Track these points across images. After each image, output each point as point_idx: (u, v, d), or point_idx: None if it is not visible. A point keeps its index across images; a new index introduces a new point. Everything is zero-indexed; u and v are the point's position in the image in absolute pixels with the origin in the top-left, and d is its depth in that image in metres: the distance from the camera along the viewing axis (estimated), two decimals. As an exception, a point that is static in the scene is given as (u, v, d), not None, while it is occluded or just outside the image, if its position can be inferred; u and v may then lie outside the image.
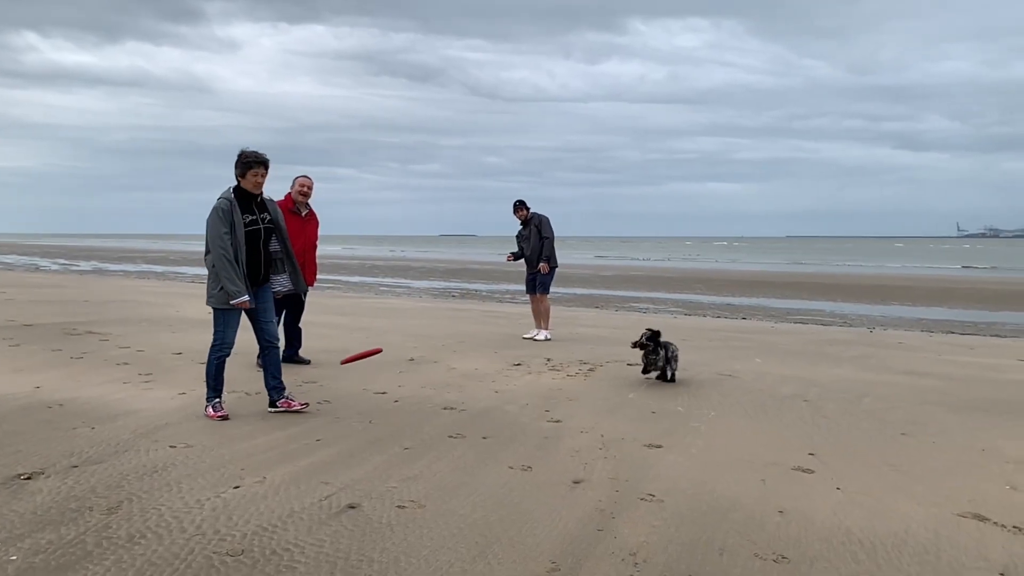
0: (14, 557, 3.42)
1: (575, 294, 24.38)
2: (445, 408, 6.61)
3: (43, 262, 42.42)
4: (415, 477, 4.71)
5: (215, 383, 6.17)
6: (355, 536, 3.77)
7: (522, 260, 11.75)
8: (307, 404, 6.38)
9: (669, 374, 7.91)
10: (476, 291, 25.96)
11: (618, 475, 4.86)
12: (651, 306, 20.73)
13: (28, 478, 4.47)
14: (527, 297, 12.26)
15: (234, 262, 5.96)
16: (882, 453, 5.53)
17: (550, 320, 11.72)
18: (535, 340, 11.31)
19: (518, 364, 9.06)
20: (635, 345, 7.85)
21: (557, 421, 6.26)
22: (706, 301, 22.85)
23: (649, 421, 6.34)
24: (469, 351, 10.03)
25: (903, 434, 6.08)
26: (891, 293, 26.30)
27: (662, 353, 7.79)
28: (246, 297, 6.01)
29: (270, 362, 6.37)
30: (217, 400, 6.15)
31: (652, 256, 66.47)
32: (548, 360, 9.39)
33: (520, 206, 11.40)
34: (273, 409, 6.29)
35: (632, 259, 60.73)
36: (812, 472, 5.03)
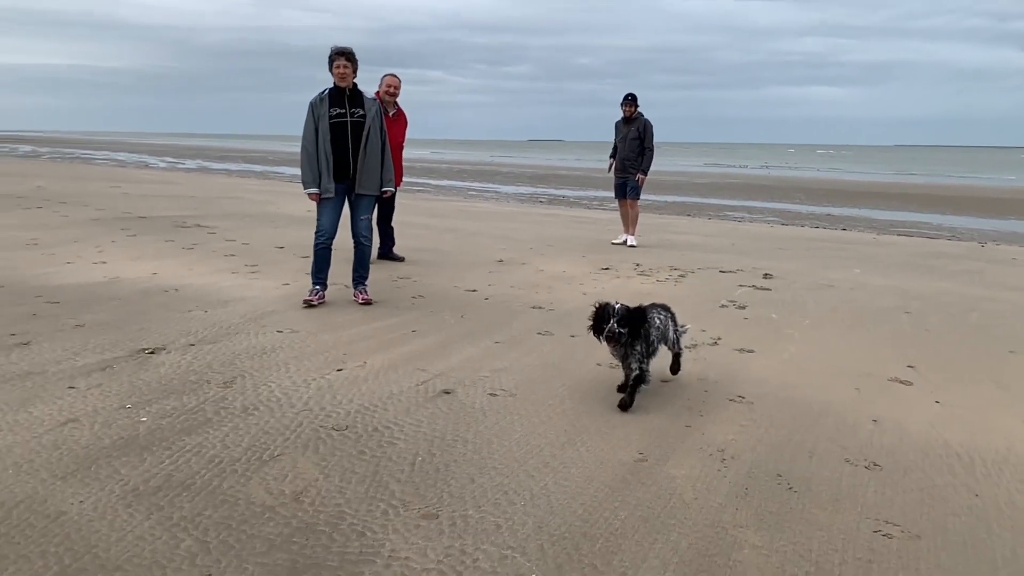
0: (144, 419, 3.76)
1: (666, 201, 23.87)
2: (533, 307, 6.71)
3: (151, 160, 44.41)
4: (506, 369, 4.86)
5: (314, 269, 6.52)
6: (450, 418, 3.96)
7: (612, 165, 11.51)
8: (369, 302, 6.56)
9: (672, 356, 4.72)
10: (564, 197, 25.74)
11: (707, 376, 4.87)
12: (746, 215, 20.11)
13: (152, 352, 4.85)
14: (615, 203, 12.08)
15: (313, 155, 6.25)
16: (987, 369, 5.32)
17: (637, 226, 11.57)
18: (624, 245, 11.22)
19: (606, 268, 9.04)
20: (602, 334, 4.12)
21: (646, 323, 6.26)
22: (804, 211, 21.98)
23: (741, 327, 6.27)
24: (557, 254, 10.06)
25: (1011, 352, 5.81)
26: (1008, 207, 24.59)
27: (654, 333, 4.29)
28: (313, 189, 6.30)
29: (356, 256, 6.61)
30: (314, 288, 6.49)
31: (749, 163, 63.96)
32: (637, 265, 9.33)
33: (632, 100, 10.99)
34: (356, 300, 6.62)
35: (728, 166, 58.64)
36: (910, 384, 4.90)
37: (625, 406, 4.17)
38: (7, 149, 50.70)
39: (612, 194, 12.06)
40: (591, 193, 27.28)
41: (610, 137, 11.50)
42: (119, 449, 3.41)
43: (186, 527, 2.78)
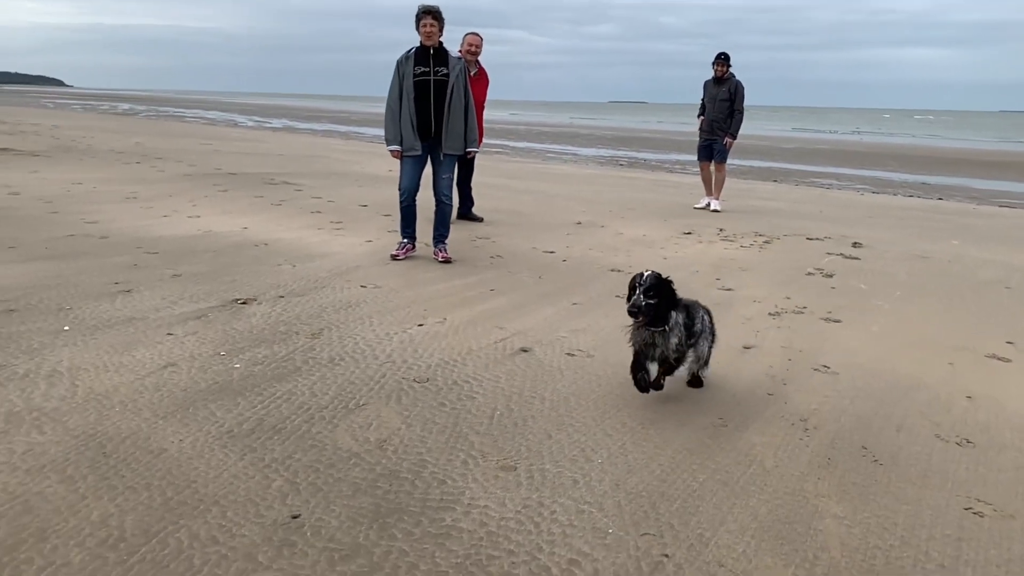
0: (237, 365, 3.94)
1: (751, 166, 23.15)
2: (612, 270, 6.67)
3: (240, 118, 45.72)
4: (583, 330, 4.86)
5: (402, 225, 6.75)
6: (528, 375, 4.00)
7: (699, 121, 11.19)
8: (449, 260, 6.64)
9: (691, 369, 3.83)
10: (644, 160, 25.29)
11: (791, 345, 4.76)
12: (835, 182, 19.34)
13: (244, 303, 5.06)
14: (698, 166, 11.78)
15: (396, 112, 6.36)
16: (1096, 347, 5.01)
17: (723, 190, 11.28)
18: (707, 209, 10.98)
19: (688, 233, 8.88)
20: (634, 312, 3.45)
21: (728, 289, 6.15)
22: (897, 179, 20.97)
23: (827, 296, 6.08)
24: (637, 218, 9.93)
25: (1125, 330, 5.45)
26: None
27: (674, 319, 3.51)
28: (395, 147, 6.45)
29: (436, 215, 6.71)
30: (402, 241, 6.75)
31: (840, 129, 61.22)
32: (721, 230, 9.12)
33: (724, 60, 10.61)
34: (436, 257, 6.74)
35: (817, 131, 56.31)
36: (1009, 361, 4.67)
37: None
38: (107, 107, 53.11)
39: (695, 157, 11.77)
40: (673, 156, 26.72)
41: (695, 99, 11.20)
42: (214, 393, 3.59)
43: (277, 468, 2.91)
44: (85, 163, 13.11)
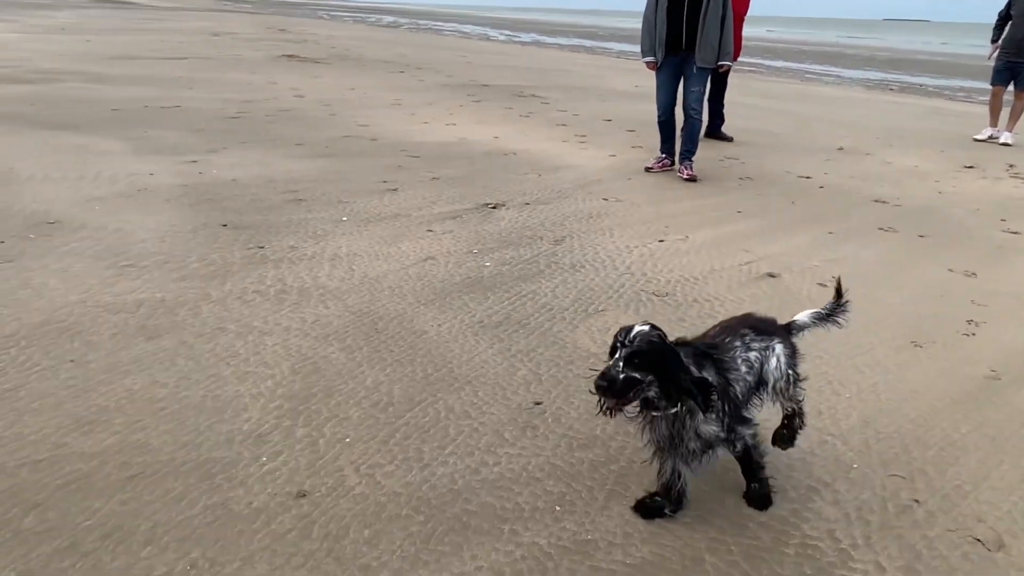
0: (488, 264, 4.20)
1: (1057, 95, 19.70)
2: (876, 200, 6.11)
3: (492, 32, 46.92)
4: (838, 260, 4.54)
5: (661, 139, 6.78)
6: (774, 299, 3.85)
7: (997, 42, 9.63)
8: (694, 178, 6.42)
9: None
10: (920, 85, 22.42)
11: (1092, 300, 4.11)
12: None
13: (494, 207, 5.33)
14: (988, 91, 10.18)
15: (652, 23, 6.23)
16: None
17: (1019, 122, 9.73)
18: (994, 141, 9.58)
19: (970, 167, 7.85)
20: (601, 387, 1.90)
21: (1014, 232, 5.40)
22: None
23: None
24: (908, 147, 8.93)
25: None
26: None
27: (740, 388, 2.14)
28: (650, 58, 6.35)
29: (684, 130, 6.52)
30: (658, 155, 6.84)
31: None
32: (1011, 166, 7.96)
33: None
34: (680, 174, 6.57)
35: None
36: None
37: (762, 500, 2.26)
38: (374, 19, 56.99)
39: (987, 83, 10.19)
40: (956, 82, 23.42)
41: (988, 18, 9.60)
42: (467, 287, 3.87)
43: (522, 359, 3.11)
44: (357, 70, 14.28)
